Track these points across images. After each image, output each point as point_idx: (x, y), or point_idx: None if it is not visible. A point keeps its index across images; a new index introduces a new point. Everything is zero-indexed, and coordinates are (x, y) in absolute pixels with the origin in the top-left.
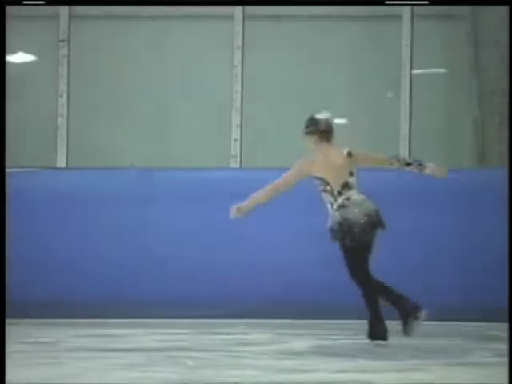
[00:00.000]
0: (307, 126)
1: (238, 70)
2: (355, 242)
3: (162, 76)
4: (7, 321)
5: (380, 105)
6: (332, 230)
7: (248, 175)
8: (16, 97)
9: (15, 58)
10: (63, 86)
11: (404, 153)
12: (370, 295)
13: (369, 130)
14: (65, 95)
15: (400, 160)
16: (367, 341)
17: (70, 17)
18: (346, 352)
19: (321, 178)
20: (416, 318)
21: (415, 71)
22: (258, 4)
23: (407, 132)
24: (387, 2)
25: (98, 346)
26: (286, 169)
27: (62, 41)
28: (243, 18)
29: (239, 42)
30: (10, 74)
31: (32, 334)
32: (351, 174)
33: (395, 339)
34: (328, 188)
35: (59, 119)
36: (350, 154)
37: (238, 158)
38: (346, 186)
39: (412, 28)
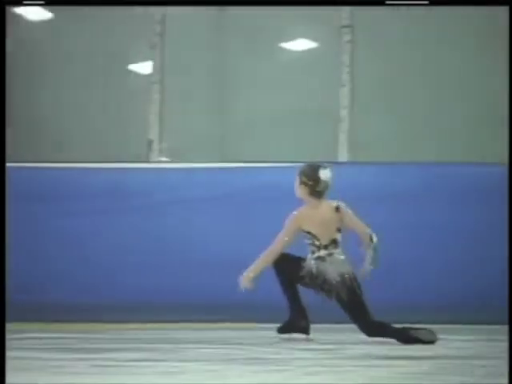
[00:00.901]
0: (307, 177)
1: None
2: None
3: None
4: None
5: None
6: (303, 277)
7: None
8: (297, 85)
9: (296, 45)
10: (345, 75)
11: None
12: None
13: None
14: (347, 85)
15: (372, 242)
16: None
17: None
18: None
19: (310, 233)
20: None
21: None
22: (257, 4)
23: None
24: (387, 2)
25: (384, 353)
26: None
27: (346, 27)
28: None
29: None
30: (291, 61)
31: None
32: (339, 230)
33: None
34: (316, 242)
35: (342, 111)
36: (338, 209)
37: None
38: (333, 242)
39: None
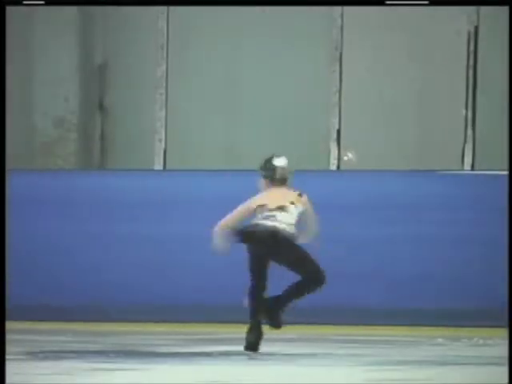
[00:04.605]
0: (263, 170)
1: None
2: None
3: None
4: None
5: None
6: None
7: None
8: None
9: None
10: None
11: None
12: None
13: None
14: None
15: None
16: None
17: None
18: None
19: (262, 205)
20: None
21: None
22: (257, 4)
23: None
24: (387, 2)
25: None
26: None
27: None
28: None
29: None
30: None
31: None
32: (292, 203)
33: None
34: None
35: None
36: (300, 195)
37: None
38: (281, 208)
39: None
